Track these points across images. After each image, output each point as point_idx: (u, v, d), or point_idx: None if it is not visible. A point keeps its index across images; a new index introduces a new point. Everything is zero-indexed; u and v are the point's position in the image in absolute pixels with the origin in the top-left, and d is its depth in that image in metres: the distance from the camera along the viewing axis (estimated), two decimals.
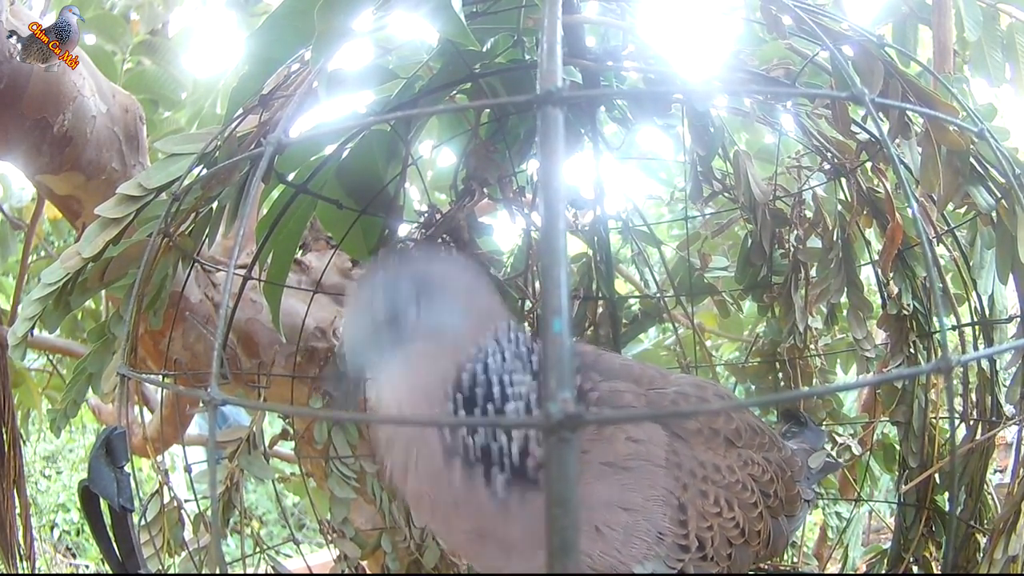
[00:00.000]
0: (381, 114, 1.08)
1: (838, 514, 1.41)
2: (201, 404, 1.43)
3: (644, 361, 1.73)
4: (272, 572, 1.12)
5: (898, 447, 1.15)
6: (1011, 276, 0.85)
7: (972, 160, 0.80)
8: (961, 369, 1.01)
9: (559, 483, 0.34)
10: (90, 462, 0.62)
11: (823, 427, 1.28)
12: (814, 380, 1.27)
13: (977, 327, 1.02)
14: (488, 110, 1.21)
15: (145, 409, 1.96)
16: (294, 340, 1.43)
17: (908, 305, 1.09)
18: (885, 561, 1.15)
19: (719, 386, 0.92)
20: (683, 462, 0.72)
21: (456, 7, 0.65)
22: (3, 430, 1.50)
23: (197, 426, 2.91)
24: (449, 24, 0.67)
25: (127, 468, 0.62)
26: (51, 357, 2.45)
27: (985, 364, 0.98)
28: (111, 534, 0.63)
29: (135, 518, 0.67)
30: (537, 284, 1.30)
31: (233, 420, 2.20)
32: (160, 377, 1.17)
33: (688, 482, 0.72)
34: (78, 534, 4.30)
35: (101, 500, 0.63)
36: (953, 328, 1.05)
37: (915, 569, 1.07)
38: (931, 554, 1.06)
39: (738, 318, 1.78)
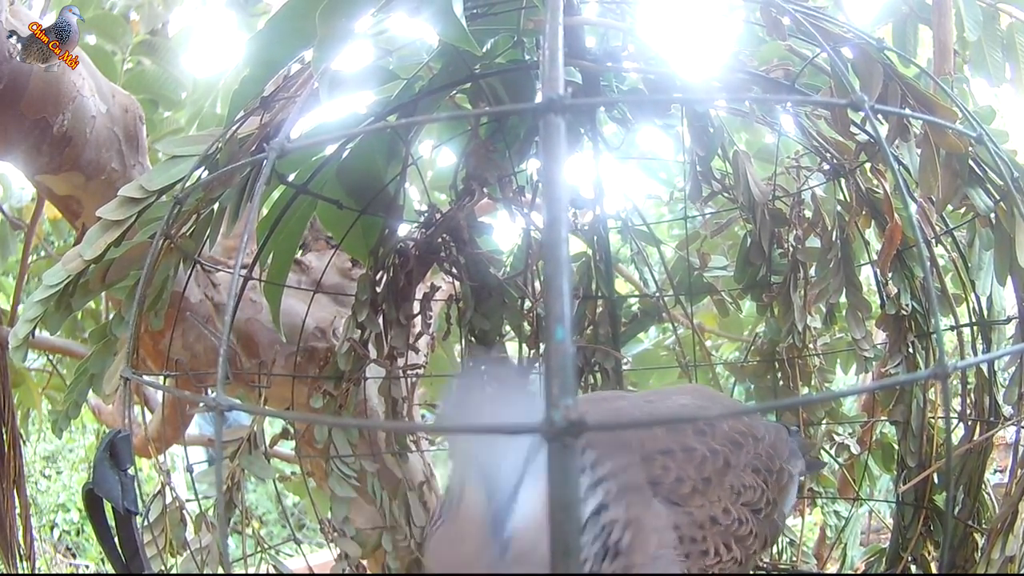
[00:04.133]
0: (384, 120, 1.08)
1: (837, 513, 1.41)
2: (201, 405, 1.43)
3: (642, 365, 1.74)
4: (274, 571, 1.13)
5: (896, 446, 1.16)
6: (1009, 278, 0.86)
7: (971, 162, 0.80)
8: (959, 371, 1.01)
9: (561, 488, 0.35)
10: (94, 465, 0.62)
11: (822, 424, 1.29)
12: (813, 380, 1.28)
13: (975, 327, 1.03)
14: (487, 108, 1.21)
15: (145, 409, 1.97)
16: (294, 340, 1.44)
17: (907, 305, 1.09)
18: (883, 560, 1.15)
19: (697, 416, 0.82)
20: (684, 533, 0.70)
21: (457, 12, 0.65)
22: (3, 430, 1.50)
23: (197, 426, 2.92)
24: (450, 28, 0.67)
25: (131, 471, 0.62)
26: (51, 357, 2.45)
27: (983, 365, 0.99)
28: (115, 537, 0.63)
29: (138, 520, 0.67)
30: (537, 284, 1.31)
31: (233, 420, 2.20)
32: (162, 380, 1.18)
33: (691, 550, 0.70)
34: (78, 534, 4.30)
35: (105, 503, 0.63)
36: (952, 328, 1.06)
37: (913, 568, 1.07)
38: (929, 553, 1.06)
39: (737, 318, 1.79)
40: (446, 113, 1.26)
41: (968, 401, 1.02)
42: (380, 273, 1.22)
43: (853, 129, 0.96)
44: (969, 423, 1.00)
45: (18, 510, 1.53)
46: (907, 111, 0.74)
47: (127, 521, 0.62)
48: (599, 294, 1.34)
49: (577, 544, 0.35)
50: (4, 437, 1.49)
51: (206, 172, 0.87)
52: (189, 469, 1.06)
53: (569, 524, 0.34)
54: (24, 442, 2.07)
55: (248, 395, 1.45)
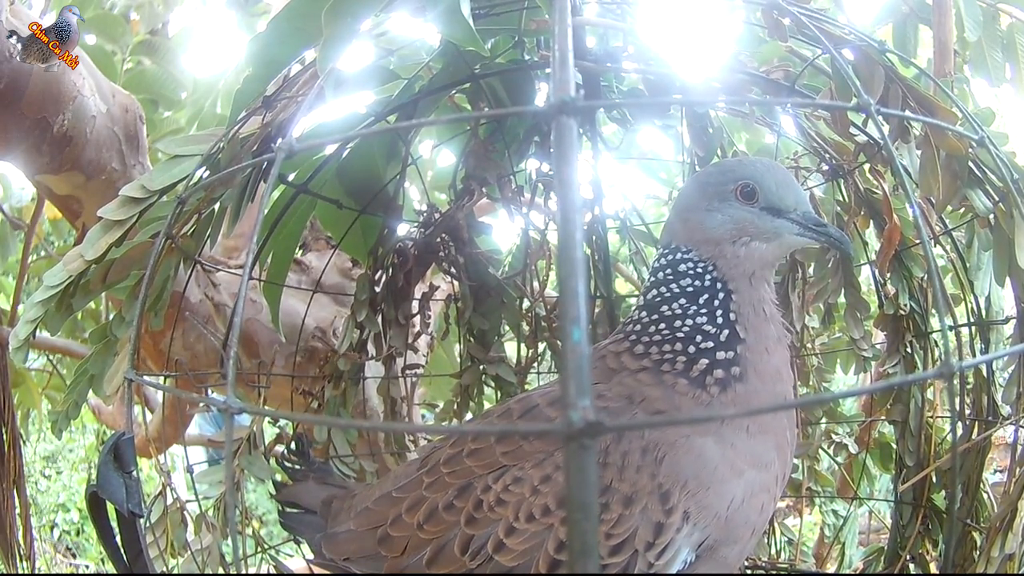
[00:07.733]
0: (384, 119, 1.08)
1: (835, 512, 1.42)
2: (201, 406, 1.43)
3: None
4: (274, 571, 1.13)
5: (895, 446, 1.16)
6: (1008, 279, 0.86)
7: (970, 164, 0.80)
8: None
9: (579, 488, 0.35)
10: (99, 468, 0.62)
11: (820, 423, 1.29)
12: (811, 379, 1.28)
13: (974, 327, 1.03)
14: (486, 109, 1.21)
15: (145, 409, 1.97)
16: (294, 340, 1.44)
17: (905, 305, 1.09)
18: (882, 559, 1.15)
19: None
20: None
21: (465, 12, 0.65)
22: (3, 430, 1.50)
23: (196, 426, 2.92)
24: (458, 29, 0.67)
25: (135, 473, 0.62)
26: (51, 357, 2.45)
27: (982, 365, 0.99)
28: (118, 538, 0.63)
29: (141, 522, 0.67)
30: (536, 283, 1.31)
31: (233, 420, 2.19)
32: (163, 380, 1.18)
33: None
34: (78, 534, 4.28)
35: (108, 505, 0.63)
36: (950, 328, 1.06)
37: (912, 567, 1.07)
38: (927, 552, 1.07)
39: None
40: (450, 115, 1.25)
41: (966, 401, 1.02)
42: (379, 273, 1.23)
43: (852, 130, 0.96)
44: (968, 422, 1.00)
45: (18, 510, 1.53)
46: (909, 114, 0.74)
47: (131, 523, 0.62)
48: (598, 293, 1.35)
49: (595, 543, 0.35)
50: (4, 437, 1.49)
51: (208, 172, 0.87)
52: (189, 469, 1.06)
53: (587, 524, 0.34)
54: (24, 442, 2.07)
55: (247, 395, 1.45)
